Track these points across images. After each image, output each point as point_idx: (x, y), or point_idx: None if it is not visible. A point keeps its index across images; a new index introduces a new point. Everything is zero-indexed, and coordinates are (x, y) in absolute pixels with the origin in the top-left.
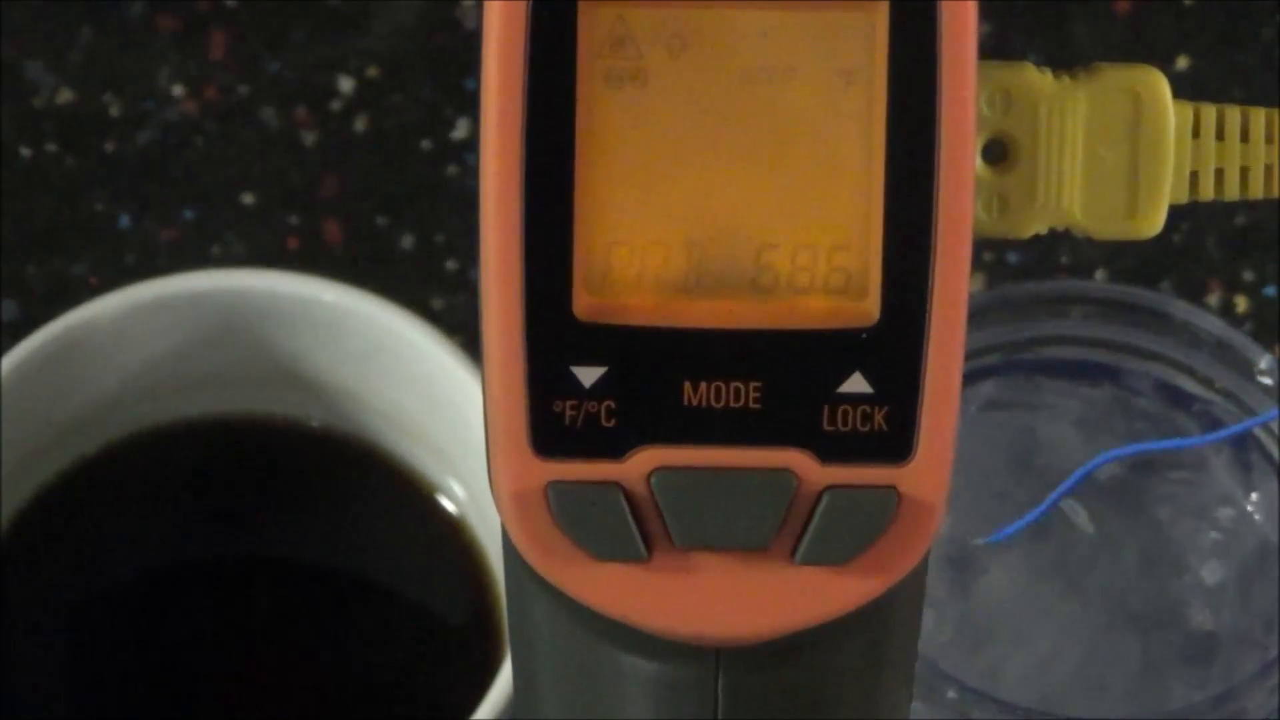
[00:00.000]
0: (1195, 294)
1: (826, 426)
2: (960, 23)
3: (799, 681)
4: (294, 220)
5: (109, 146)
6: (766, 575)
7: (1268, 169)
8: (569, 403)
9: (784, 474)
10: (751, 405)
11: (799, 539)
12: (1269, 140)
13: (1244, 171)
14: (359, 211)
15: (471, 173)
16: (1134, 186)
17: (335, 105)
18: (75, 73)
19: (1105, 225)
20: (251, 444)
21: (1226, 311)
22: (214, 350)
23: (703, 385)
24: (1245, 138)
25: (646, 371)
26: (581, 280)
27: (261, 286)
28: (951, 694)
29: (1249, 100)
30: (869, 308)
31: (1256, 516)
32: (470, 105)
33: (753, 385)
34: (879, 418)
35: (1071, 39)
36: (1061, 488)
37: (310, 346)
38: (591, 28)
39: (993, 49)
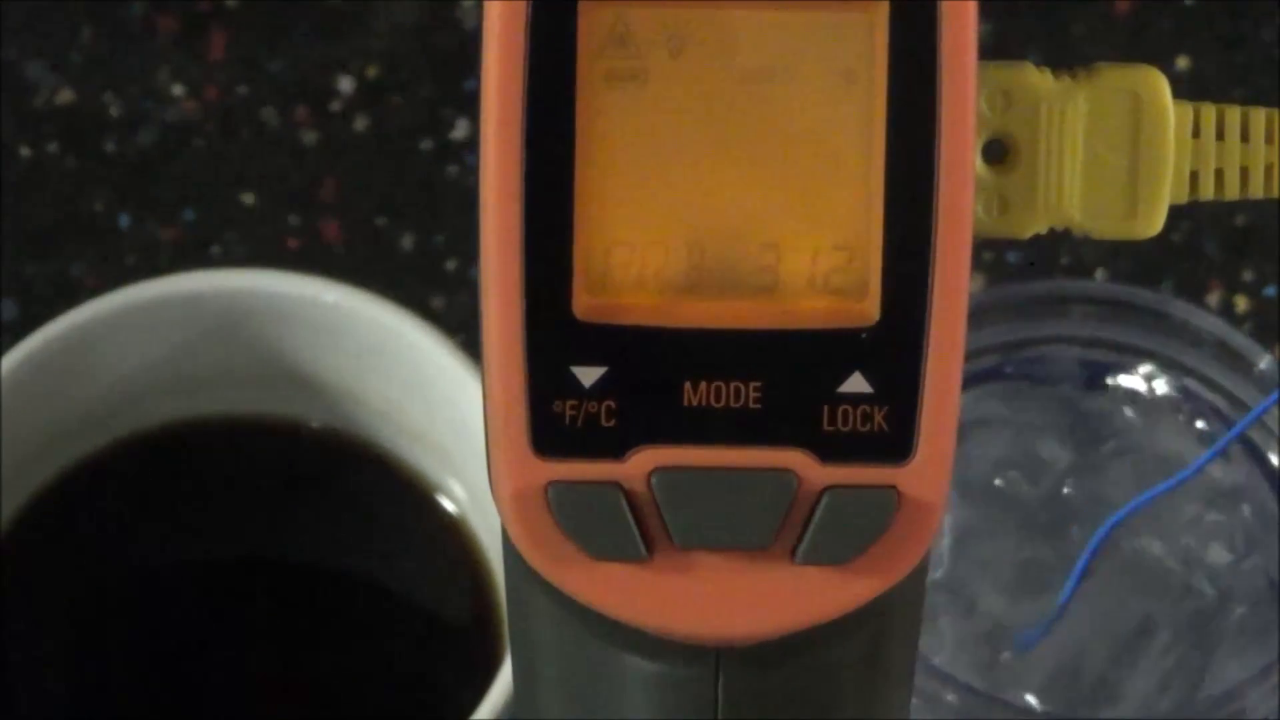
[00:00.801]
0: (1195, 294)
1: (826, 426)
2: (960, 23)
3: (799, 681)
4: (294, 220)
5: (109, 146)
6: (766, 575)
7: (1268, 169)
8: (569, 403)
9: (784, 474)
10: (752, 405)
11: (799, 539)
12: (1269, 140)
13: (1244, 171)
14: (359, 211)
15: (471, 173)
16: (1134, 186)
17: (335, 105)
18: (75, 73)
19: (1105, 225)
20: (251, 444)
21: (1226, 311)
22: (214, 350)
23: (703, 385)
24: (1245, 138)
25: (646, 371)
26: (581, 280)
27: (261, 286)
28: (951, 695)
29: (1249, 100)
30: (869, 308)
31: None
32: (470, 105)
33: (753, 385)
34: (879, 418)
35: (1071, 39)
36: (1088, 549)
37: (310, 346)
38: (591, 28)
39: (993, 49)
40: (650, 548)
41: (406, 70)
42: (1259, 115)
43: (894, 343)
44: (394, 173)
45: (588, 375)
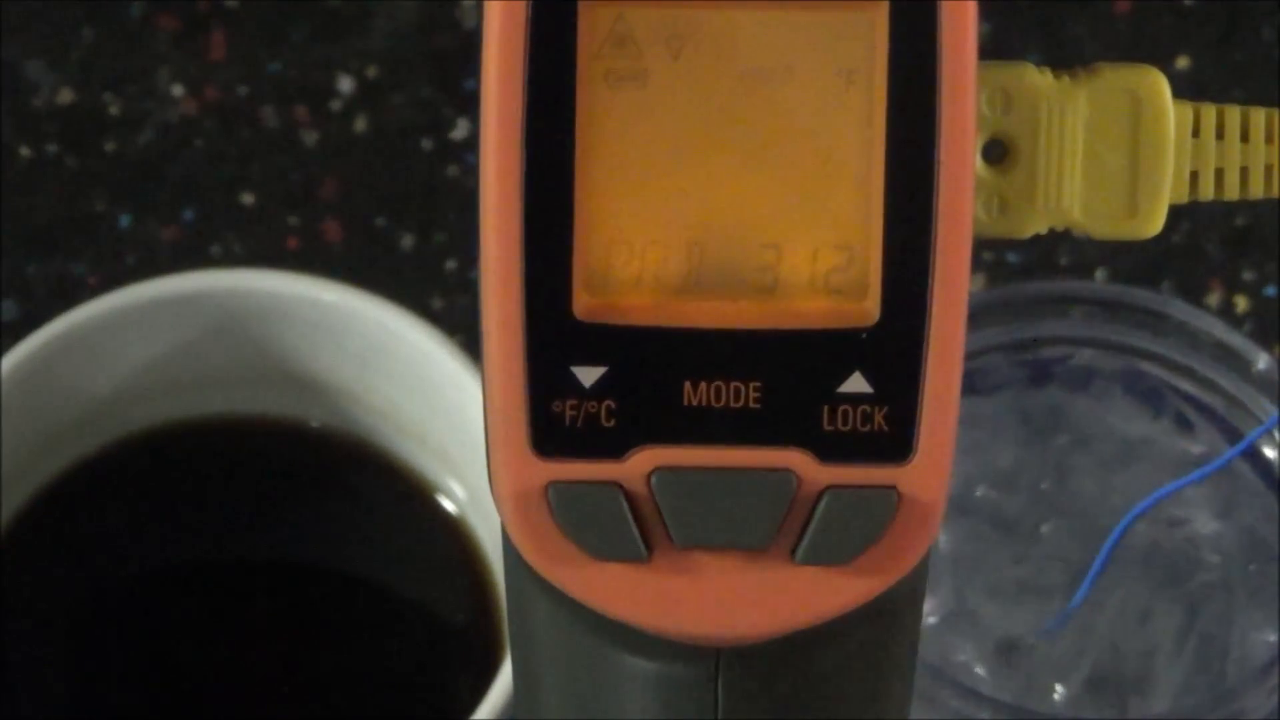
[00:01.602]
0: (1195, 294)
1: (826, 426)
2: (960, 23)
3: (799, 681)
4: (294, 220)
5: (109, 146)
6: (766, 575)
7: (1268, 169)
8: (569, 403)
9: (784, 474)
10: (751, 405)
11: (799, 539)
12: (1269, 140)
13: (1244, 171)
14: (359, 211)
15: (471, 173)
16: (1134, 186)
17: (335, 105)
18: (75, 73)
19: (1105, 225)
20: (251, 444)
21: (1226, 311)
22: (214, 350)
23: (703, 385)
24: (1245, 138)
25: (646, 371)
26: (581, 280)
27: (261, 286)
28: (950, 695)
29: (1249, 100)
30: (869, 308)
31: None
32: (470, 105)
33: (753, 385)
34: (879, 417)
35: (1071, 39)
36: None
37: (310, 346)
38: (591, 28)
39: (993, 49)
40: (650, 548)
41: (406, 70)
42: (1259, 115)
43: (894, 343)
44: (394, 173)
45: (588, 375)
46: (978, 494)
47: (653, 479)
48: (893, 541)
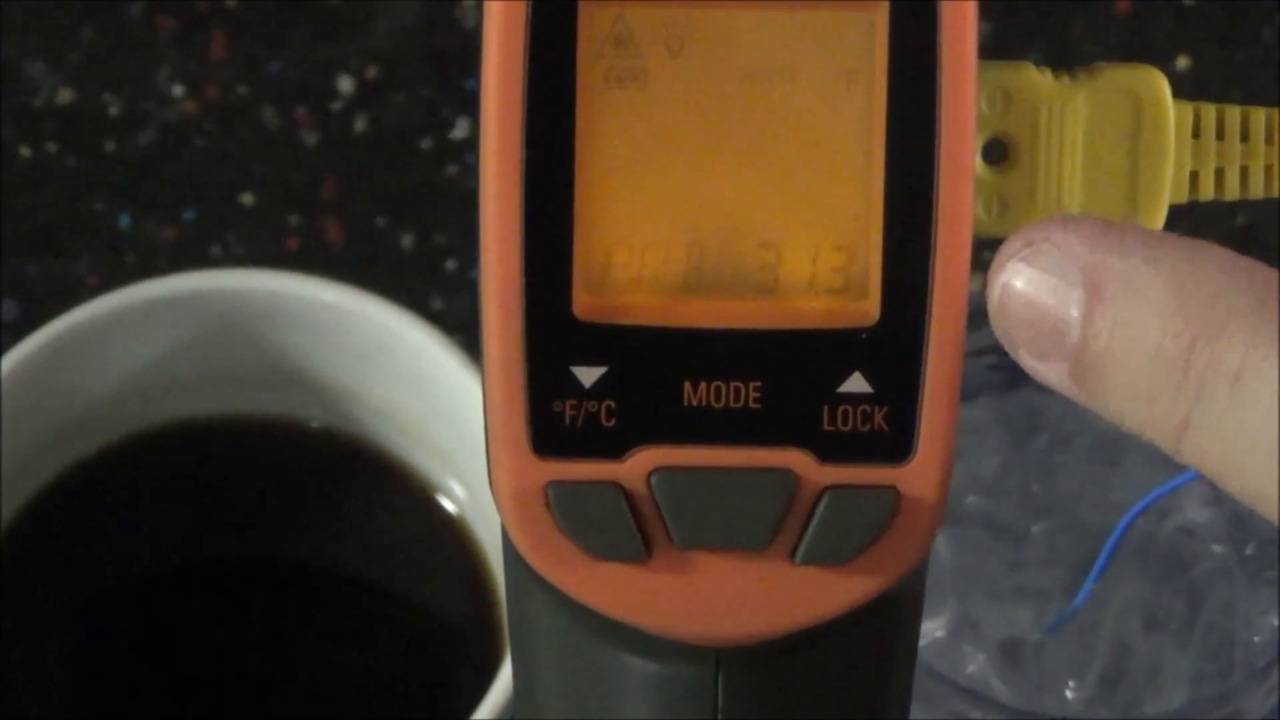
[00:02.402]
0: None
1: (826, 426)
2: (960, 23)
3: (799, 681)
4: (294, 220)
5: (109, 146)
6: (766, 575)
7: (1268, 169)
8: (569, 403)
9: (784, 474)
10: (751, 405)
11: (799, 539)
12: (1269, 140)
13: (1244, 171)
14: (359, 211)
15: (471, 173)
16: (1134, 186)
17: (335, 105)
18: (75, 73)
19: None
20: (251, 444)
21: None
22: (214, 350)
23: (702, 385)
24: (1245, 138)
25: (646, 371)
26: (581, 280)
27: (261, 286)
28: (950, 695)
29: (1249, 100)
30: (869, 308)
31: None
32: (470, 105)
33: (753, 385)
34: (879, 417)
35: (1071, 39)
36: (1105, 551)
37: (310, 346)
38: (591, 28)
39: (993, 49)
40: (650, 548)
41: (406, 70)
42: (1259, 115)
43: (894, 343)
44: (394, 173)
45: (588, 375)
46: (968, 502)
47: (652, 479)
48: (892, 541)
